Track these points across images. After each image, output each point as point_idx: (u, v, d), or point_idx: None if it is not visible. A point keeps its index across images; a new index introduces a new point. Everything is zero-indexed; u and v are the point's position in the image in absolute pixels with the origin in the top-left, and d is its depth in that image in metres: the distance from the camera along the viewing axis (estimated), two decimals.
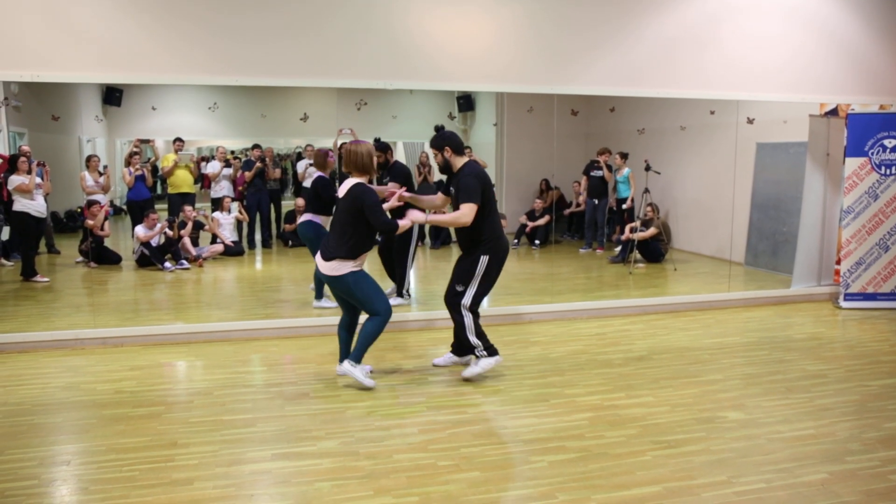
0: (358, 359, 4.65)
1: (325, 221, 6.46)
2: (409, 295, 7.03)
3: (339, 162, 7.08)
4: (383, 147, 6.92)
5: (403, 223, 4.60)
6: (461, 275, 4.73)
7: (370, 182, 4.69)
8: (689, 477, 3.44)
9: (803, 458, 3.65)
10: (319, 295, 6.76)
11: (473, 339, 4.76)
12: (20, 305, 6.91)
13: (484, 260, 4.68)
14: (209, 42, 5.62)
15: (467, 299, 4.72)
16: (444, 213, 5.05)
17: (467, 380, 4.80)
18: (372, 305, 4.59)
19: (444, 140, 4.75)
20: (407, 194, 4.96)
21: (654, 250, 9.40)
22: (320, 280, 6.61)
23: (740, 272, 8.84)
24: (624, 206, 9.94)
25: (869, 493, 3.29)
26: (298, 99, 10.34)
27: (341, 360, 4.78)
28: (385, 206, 4.74)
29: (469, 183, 4.59)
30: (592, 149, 10.35)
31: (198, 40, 5.60)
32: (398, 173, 6.73)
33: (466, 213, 4.56)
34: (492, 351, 4.81)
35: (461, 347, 5.07)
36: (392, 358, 5.41)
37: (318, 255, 4.56)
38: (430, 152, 4.83)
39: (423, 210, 4.83)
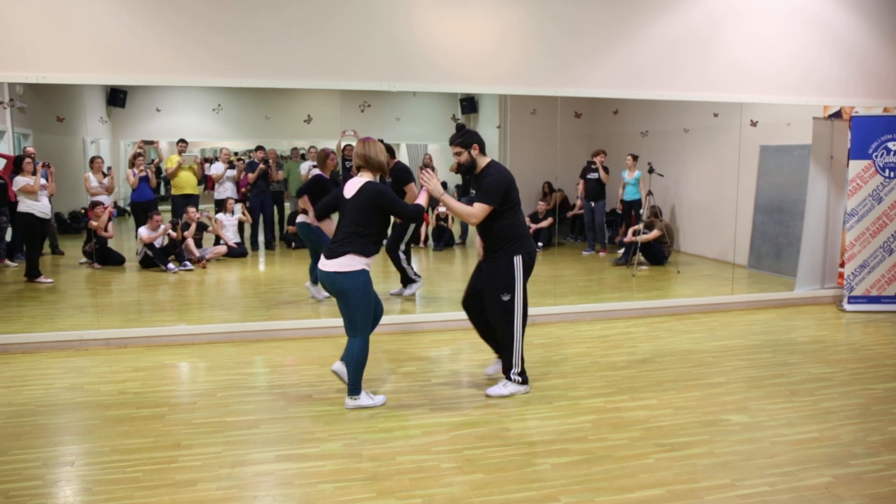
0: (357, 391, 4.37)
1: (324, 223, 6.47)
2: (420, 277, 7.25)
3: (341, 163, 7.13)
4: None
5: (422, 199, 4.47)
6: (501, 284, 4.45)
7: (382, 180, 4.60)
8: (692, 480, 3.43)
9: (807, 462, 3.64)
10: (316, 280, 6.85)
11: (516, 358, 4.54)
12: (24, 306, 6.92)
13: (518, 261, 4.45)
14: (213, 44, 5.63)
15: (518, 308, 4.48)
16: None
17: (489, 397, 4.56)
18: (359, 318, 4.28)
19: (472, 138, 4.50)
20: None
21: (658, 253, 9.39)
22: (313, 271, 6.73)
23: (744, 275, 8.83)
24: (641, 211, 9.78)
25: (873, 497, 3.28)
26: (302, 101, 10.35)
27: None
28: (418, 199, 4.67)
29: (494, 185, 4.39)
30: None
31: (202, 42, 5.61)
32: (401, 173, 6.81)
33: (477, 212, 4.37)
34: (524, 378, 4.62)
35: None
36: (395, 360, 5.41)
37: (322, 258, 4.32)
38: (453, 151, 4.54)
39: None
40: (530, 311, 6.53)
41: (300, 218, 6.75)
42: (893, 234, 7.13)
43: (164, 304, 7.48)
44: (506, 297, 4.46)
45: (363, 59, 5.94)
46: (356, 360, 4.31)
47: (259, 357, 5.51)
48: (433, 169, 10.92)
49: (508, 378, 4.60)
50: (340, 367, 4.47)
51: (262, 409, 4.33)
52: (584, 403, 4.47)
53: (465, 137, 4.50)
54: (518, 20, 6.27)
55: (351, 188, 4.33)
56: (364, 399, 4.39)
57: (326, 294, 6.73)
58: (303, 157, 11.44)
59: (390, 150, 6.97)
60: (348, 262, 4.20)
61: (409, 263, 7.22)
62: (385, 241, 7.38)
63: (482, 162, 4.53)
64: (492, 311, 4.55)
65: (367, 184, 4.29)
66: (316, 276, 6.91)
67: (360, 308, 4.26)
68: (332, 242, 4.33)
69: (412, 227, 7.02)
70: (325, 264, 4.26)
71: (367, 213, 4.25)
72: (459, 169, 4.61)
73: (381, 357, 5.42)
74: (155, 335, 5.85)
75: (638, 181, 9.86)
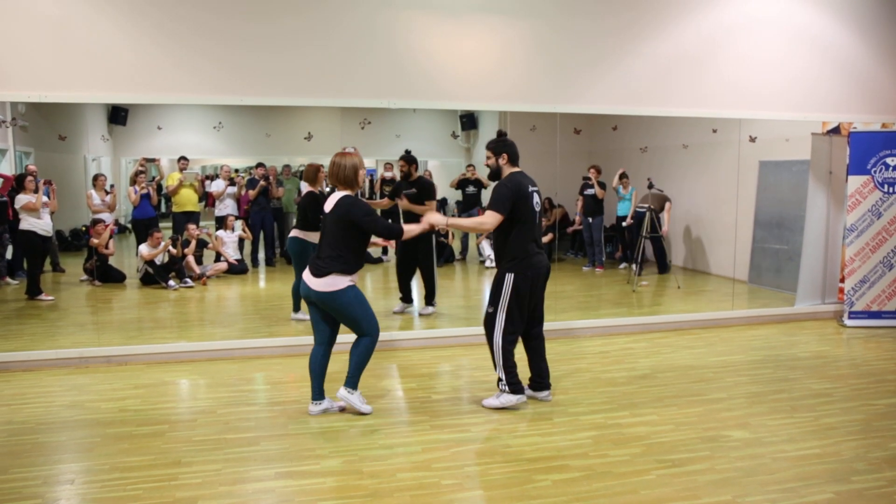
0: (354, 384, 4.48)
1: (311, 237, 6.49)
2: (409, 303, 7.24)
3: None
4: (409, 159, 7.08)
5: (412, 227, 4.51)
6: (491, 295, 4.60)
7: (359, 195, 4.64)
8: (693, 496, 3.42)
9: (809, 478, 3.63)
10: (297, 307, 6.84)
11: (498, 369, 4.60)
12: (25, 324, 6.93)
13: (509, 279, 4.50)
14: (215, 62, 5.67)
15: (499, 322, 4.54)
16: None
17: (484, 407, 4.65)
18: (364, 324, 4.39)
19: (503, 147, 4.62)
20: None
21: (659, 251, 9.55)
22: (297, 293, 6.69)
23: (744, 290, 8.84)
24: (624, 224, 9.97)
25: None
26: (302, 118, 10.40)
27: (315, 398, 4.53)
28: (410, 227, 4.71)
29: (500, 191, 4.50)
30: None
31: (203, 60, 5.65)
32: (424, 188, 7.00)
33: (487, 219, 4.45)
34: (516, 388, 4.62)
35: (540, 382, 4.84)
36: (395, 376, 5.40)
37: (307, 272, 4.35)
38: (485, 153, 4.68)
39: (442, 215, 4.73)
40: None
41: (294, 233, 6.71)
42: (893, 249, 7.14)
43: (165, 321, 7.48)
44: (490, 310, 4.58)
45: (363, 76, 5.98)
46: (361, 356, 4.43)
47: (259, 374, 5.50)
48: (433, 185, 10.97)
49: (498, 388, 4.67)
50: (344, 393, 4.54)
51: (262, 426, 4.33)
52: (584, 419, 4.46)
53: (497, 145, 4.65)
54: (518, 37, 6.32)
55: (330, 202, 4.38)
56: (356, 398, 4.48)
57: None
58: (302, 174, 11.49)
59: (413, 161, 7.06)
60: (332, 282, 4.25)
61: (409, 285, 7.24)
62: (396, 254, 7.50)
63: (507, 171, 4.64)
64: (484, 319, 4.67)
65: (343, 197, 4.32)
66: (298, 299, 6.99)
67: (359, 316, 4.36)
68: (317, 258, 4.36)
69: (434, 241, 7.03)
70: (311, 281, 4.29)
71: (342, 227, 4.27)
72: (489, 174, 4.73)
73: (381, 373, 5.42)
74: (155, 352, 5.85)
75: (631, 197, 9.92)
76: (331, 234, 4.32)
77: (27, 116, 8.17)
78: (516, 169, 4.66)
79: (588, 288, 9.24)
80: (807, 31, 7.05)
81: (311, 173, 6.75)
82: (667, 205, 9.55)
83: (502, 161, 4.62)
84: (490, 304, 4.59)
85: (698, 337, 6.71)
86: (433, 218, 4.55)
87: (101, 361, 5.71)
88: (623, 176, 9.95)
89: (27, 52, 5.33)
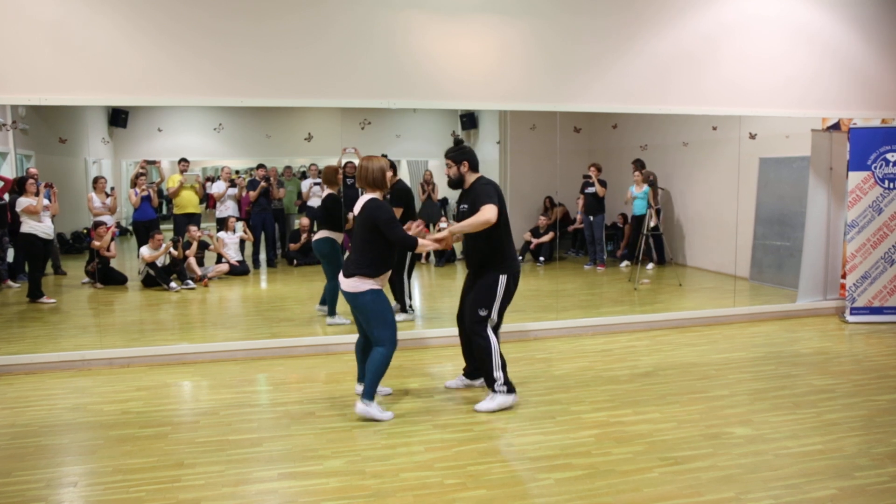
0: (371, 395, 4.43)
1: (338, 236, 6.55)
2: (413, 310, 7.06)
3: (343, 180, 7.16)
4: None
5: (426, 243, 4.49)
6: (482, 298, 4.53)
7: (384, 197, 4.61)
8: (696, 493, 3.42)
9: (812, 474, 3.63)
10: (332, 312, 6.79)
11: (496, 372, 4.55)
12: (27, 327, 6.93)
13: (503, 280, 4.53)
14: (214, 64, 5.67)
15: (492, 323, 4.59)
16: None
17: (478, 412, 4.56)
18: (380, 332, 4.38)
19: (463, 154, 4.60)
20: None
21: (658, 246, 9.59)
22: (334, 297, 6.67)
23: (745, 287, 8.83)
24: (652, 224, 9.75)
25: None
26: (302, 119, 10.41)
27: (359, 380, 4.76)
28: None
29: (484, 190, 4.47)
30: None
31: (203, 62, 5.65)
32: (396, 193, 6.79)
33: (490, 213, 4.36)
34: (510, 387, 4.61)
35: (473, 370, 4.99)
36: (398, 376, 5.40)
37: (341, 273, 4.45)
38: (444, 162, 4.65)
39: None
40: (533, 325, 6.62)
41: (321, 234, 6.63)
42: (894, 244, 7.14)
43: (167, 322, 7.48)
44: (483, 313, 4.55)
45: (362, 77, 5.98)
46: (375, 367, 4.39)
47: (261, 375, 5.51)
48: (434, 185, 10.99)
49: (493, 390, 4.60)
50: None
51: (264, 427, 4.33)
52: (586, 418, 4.46)
53: (457, 153, 4.62)
54: (517, 36, 6.32)
55: (358, 205, 4.45)
56: (374, 409, 4.43)
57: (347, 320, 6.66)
58: (303, 175, 11.50)
59: (391, 167, 6.95)
60: (356, 284, 4.34)
61: (408, 291, 7.14)
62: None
63: (470, 178, 4.64)
64: (468, 322, 4.62)
65: (369, 201, 4.38)
66: (324, 299, 6.96)
67: (374, 322, 4.38)
68: (346, 260, 4.49)
69: (410, 253, 6.91)
70: (342, 281, 4.43)
71: (367, 230, 4.34)
72: (448, 182, 4.70)
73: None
74: (157, 354, 5.85)
75: (646, 195, 9.88)
76: (358, 236, 4.40)
77: (27, 119, 8.18)
78: (478, 174, 4.66)
79: (589, 286, 9.24)
80: (806, 27, 7.05)
81: (331, 174, 6.76)
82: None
83: (464, 169, 4.60)
84: (481, 307, 4.54)
85: (700, 334, 6.71)
86: (441, 240, 4.54)
87: (103, 364, 5.72)
88: (639, 171, 9.87)
89: (27, 54, 5.34)
